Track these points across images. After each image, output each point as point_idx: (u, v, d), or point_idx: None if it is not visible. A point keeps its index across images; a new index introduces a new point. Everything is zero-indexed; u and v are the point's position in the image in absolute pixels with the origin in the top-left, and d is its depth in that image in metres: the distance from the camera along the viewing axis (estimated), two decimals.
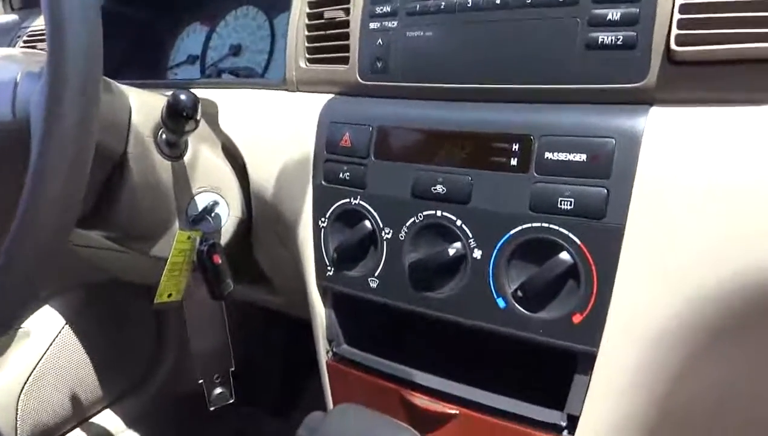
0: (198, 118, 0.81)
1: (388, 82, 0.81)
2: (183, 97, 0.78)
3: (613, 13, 0.63)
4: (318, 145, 0.85)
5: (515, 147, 0.68)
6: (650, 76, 0.62)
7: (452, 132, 0.73)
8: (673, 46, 0.59)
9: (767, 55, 0.57)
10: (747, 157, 0.58)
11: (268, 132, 0.93)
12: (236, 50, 1.23)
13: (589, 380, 0.66)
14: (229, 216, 0.97)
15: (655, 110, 0.63)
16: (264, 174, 0.93)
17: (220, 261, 0.93)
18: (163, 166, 0.93)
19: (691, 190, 0.59)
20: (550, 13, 0.67)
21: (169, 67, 1.35)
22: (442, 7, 0.75)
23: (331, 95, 0.89)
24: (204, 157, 0.98)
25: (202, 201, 0.96)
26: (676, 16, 0.60)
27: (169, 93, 0.80)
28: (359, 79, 0.84)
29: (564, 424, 0.68)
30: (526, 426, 0.70)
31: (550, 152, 0.66)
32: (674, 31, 0.59)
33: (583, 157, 0.64)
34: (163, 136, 0.92)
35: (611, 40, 0.64)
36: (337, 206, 0.82)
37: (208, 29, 1.30)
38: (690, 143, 0.60)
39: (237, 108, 0.99)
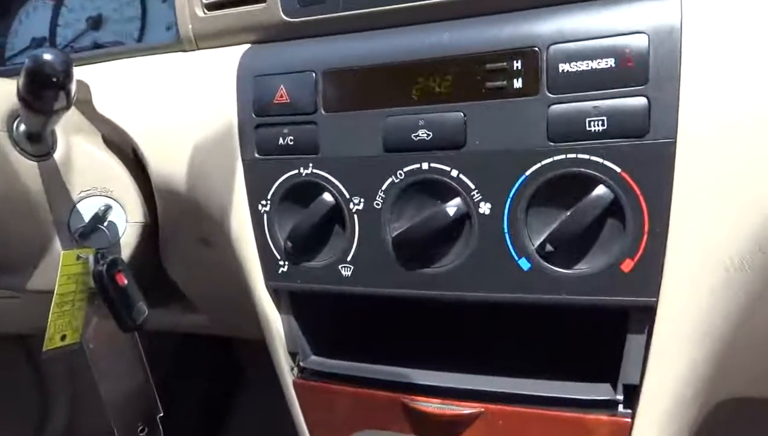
0: (71, 89, 0.58)
1: (325, 15, 0.63)
2: (48, 56, 0.55)
3: None
4: (242, 109, 0.66)
5: (517, 64, 0.53)
6: None
7: (428, 60, 0.57)
8: None
9: None
10: None
11: (166, 108, 0.72)
12: (96, 23, 0.98)
13: (649, 340, 0.53)
14: (128, 223, 0.75)
15: None
16: (168, 162, 0.72)
17: (126, 282, 0.71)
18: (26, 169, 0.70)
19: (755, 88, 0.48)
20: None
21: (8, 58, 1.07)
22: None
23: (246, 46, 0.69)
24: (81, 151, 0.75)
25: (88, 208, 0.74)
26: None
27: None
28: (284, 16, 0.65)
29: (620, 398, 0.55)
30: (573, 410, 0.56)
31: (565, 63, 0.52)
32: None
33: (610, 62, 0.50)
34: (21, 127, 0.69)
35: None
36: (283, 182, 0.64)
37: (54, 3, 1.03)
38: (746, 24, 0.48)
39: (118, 86, 0.76)
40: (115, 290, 0.70)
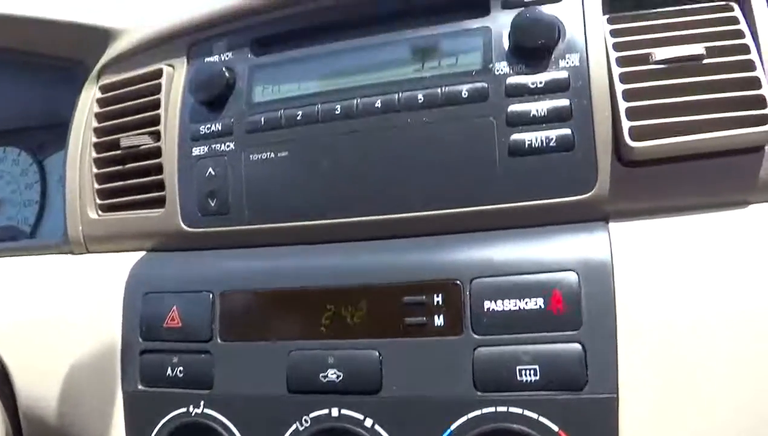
0: None
1: (228, 227, 0.57)
2: None
3: (537, 108, 0.48)
4: (127, 330, 0.57)
5: (437, 299, 0.47)
6: (601, 183, 0.47)
7: (340, 288, 0.50)
8: (628, 140, 0.44)
9: (745, 143, 0.44)
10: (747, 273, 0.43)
11: (43, 318, 0.62)
12: None
13: None
14: None
15: (616, 227, 0.47)
16: (39, 384, 0.61)
17: None
18: None
19: (703, 325, 0.43)
20: (454, 113, 0.50)
21: None
22: (299, 117, 0.54)
23: (141, 253, 0.61)
24: None
25: None
26: (622, 103, 0.45)
27: None
28: (183, 225, 0.59)
29: None
30: None
31: (490, 301, 0.46)
32: (624, 121, 0.45)
33: (539, 302, 0.45)
34: None
35: (540, 141, 0.47)
36: (168, 421, 0.53)
37: None
38: (679, 265, 0.44)
39: None
40: None
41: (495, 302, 0.45)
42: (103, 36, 0.68)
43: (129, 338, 0.56)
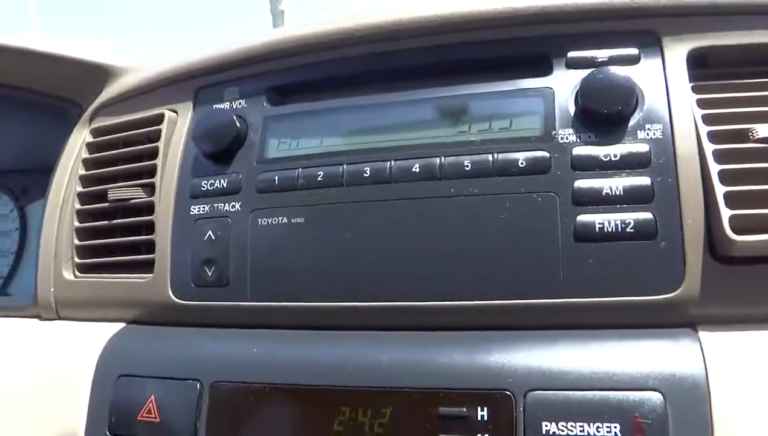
0: None
1: (225, 302, 0.48)
2: None
3: (611, 185, 0.40)
4: (92, 420, 0.47)
5: (481, 413, 0.38)
6: (689, 281, 0.38)
7: (358, 389, 0.41)
8: (728, 232, 0.36)
9: None
10: None
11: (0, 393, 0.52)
12: None
13: None
14: None
15: (709, 336, 0.38)
16: None
17: None
18: None
19: None
20: (508, 185, 0.42)
21: None
22: (320, 178, 0.46)
23: (121, 325, 0.52)
24: None
25: None
26: (719, 186, 0.37)
27: None
28: (172, 296, 0.49)
29: None
30: None
31: (550, 422, 0.36)
32: (722, 209, 0.37)
33: (615, 429, 0.35)
34: None
35: (614, 225, 0.39)
36: None
37: None
38: None
39: None
40: None
41: (557, 423, 0.36)
42: (100, 74, 0.61)
43: (94, 429, 0.46)
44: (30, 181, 0.82)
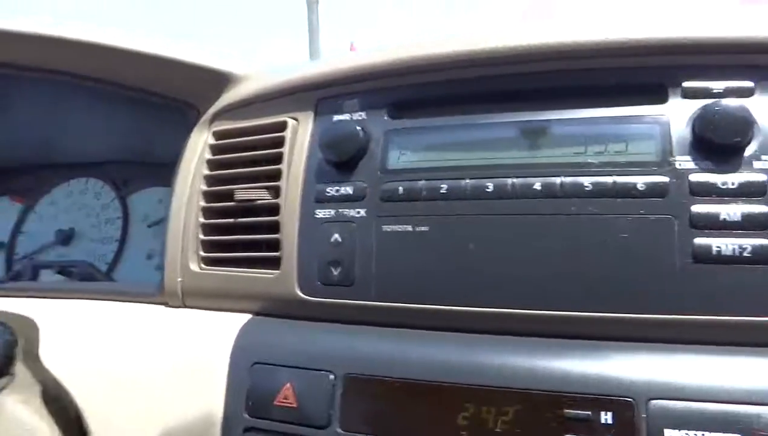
0: (12, 372, 0.44)
1: (350, 301, 0.52)
2: None
3: (728, 212, 0.43)
4: (230, 402, 0.52)
5: (605, 417, 0.42)
6: None
7: (484, 387, 0.45)
8: None
9: None
10: None
11: (131, 377, 0.57)
12: (66, 238, 0.86)
13: None
14: None
15: None
16: None
17: None
18: None
19: None
20: (627, 206, 0.45)
21: None
22: (443, 191, 0.50)
23: (247, 316, 0.57)
24: (7, 419, 0.58)
25: None
26: None
27: None
28: (299, 293, 0.54)
29: None
30: None
31: (671, 429, 0.40)
32: None
33: None
34: None
35: (732, 249, 0.43)
36: None
37: (23, 206, 0.92)
38: None
39: (74, 334, 0.62)
40: None
41: (678, 431, 0.40)
42: (220, 80, 0.65)
43: (232, 410, 0.51)
44: (130, 173, 0.87)
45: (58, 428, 0.60)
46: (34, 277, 0.83)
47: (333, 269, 0.53)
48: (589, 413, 0.42)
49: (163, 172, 0.84)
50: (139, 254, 0.82)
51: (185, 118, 0.71)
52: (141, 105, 0.79)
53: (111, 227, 0.85)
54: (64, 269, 0.78)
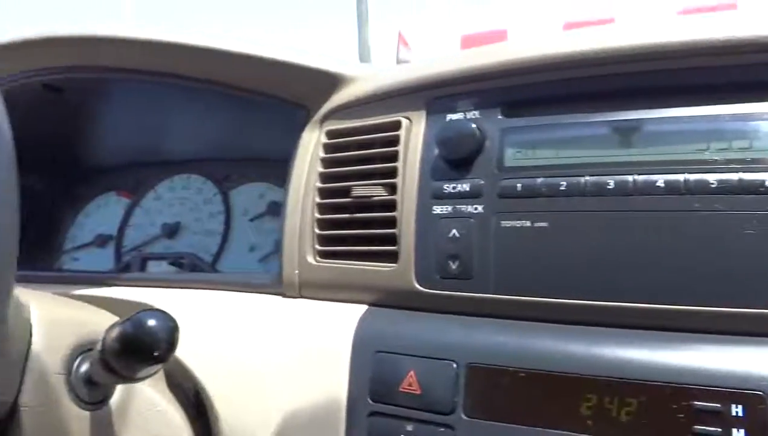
0: (169, 359, 0.48)
1: (469, 293, 0.54)
2: (152, 323, 0.45)
3: None
4: (353, 387, 0.54)
5: (736, 410, 0.42)
6: None
7: (607, 380, 0.46)
8: None
9: None
10: None
11: (254, 362, 0.61)
12: (172, 231, 0.91)
13: None
14: None
15: None
16: (247, 432, 0.59)
17: None
18: (77, 419, 0.57)
19: None
20: (752, 204, 0.46)
21: (65, 251, 0.99)
22: (563, 188, 0.52)
23: (363, 307, 0.60)
24: (141, 399, 0.62)
25: None
26: None
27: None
28: (417, 285, 0.56)
29: None
30: None
31: None
32: None
33: None
34: (82, 368, 0.57)
35: None
36: None
37: (130, 201, 0.98)
38: None
39: (194, 320, 0.66)
40: None
41: None
42: (332, 81, 0.68)
43: (356, 396, 0.54)
44: (230, 169, 0.91)
45: (182, 409, 0.64)
46: (143, 268, 0.89)
47: (451, 263, 0.55)
48: (719, 405, 0.43)
49: (263, 168, 0.89)
50: (241, 246, 0.86)
51: (288, 117, 0.75)
52: (241, 105, 0.82)
53: (214, 220, 0.90)
54: (175, 261, 0.83)
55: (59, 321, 0.55)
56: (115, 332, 0.46)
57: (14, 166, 0.36)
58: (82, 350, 0.58)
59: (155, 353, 0.45)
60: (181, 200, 0.93)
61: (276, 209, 0.85)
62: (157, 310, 0.46)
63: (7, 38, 0.74)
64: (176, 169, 0.95)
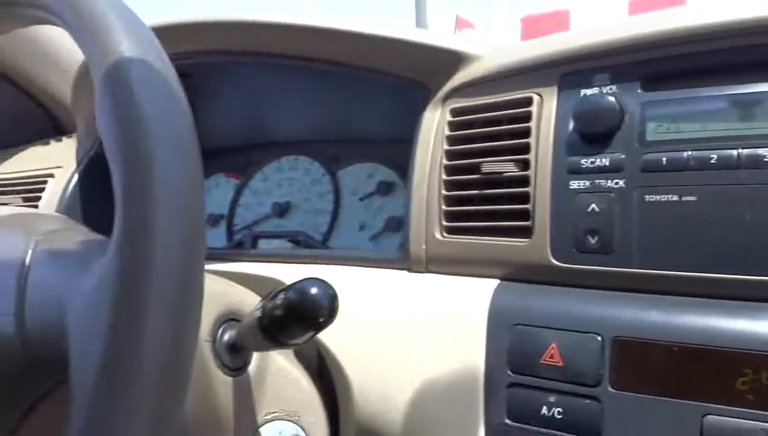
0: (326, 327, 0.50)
1: (610, 268, 0.54)
2: (315, 290, 0.47)
3: None
4: (491, 358, 0.55)
5: None
6: None
7: (763, 354, 0.45)
8: None
9: None
10: None
11: (387, 334, 0.63)
12: (282, 210, 0.94)
13: None
14: None
15: None
16: (380, 400, 0.61)
17: None
18: (220, 384, 0.60)
19: None
20: None
21: None
22: (713, 161, 0.51)
23: (494, 281, 0.60)
24: (275, 367, 0.65)
25: (271, 433, 0.63)
26: None
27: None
28: (552, 259, 0.57)
29: None
30: None
31: None
32: None
33: None
34: (226, 336, 0.61)
35: None
36: None
37: (238, 182, 1.01)
38: None
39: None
40: None
41: None
42: (454, 60, 0.69)
43: (493, 368, 0.55)
44: (338, 150, 0.93)
45: (310, 378, 0.67)
46: (254, 245, 0.92)
47: (590, 238, 0.55)
48: None
49: (371, 149, 0.90)
50: (351, 225, 0.88)
51: (399, 98, 0.76)
52: (349, 86, 0.84)
53: (323, 200, 0.92)
54: (292, 238, 0.85)
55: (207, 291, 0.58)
56: (279, 300, 0.49)
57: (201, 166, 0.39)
58: (225, 318, 0.62)
59: (319, 320, 0.47)
60: (289, 181, 0.96)
61: (385, 189, 0.87)
62: (318, 279, 0.48)
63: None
64: (283, 150, 0.98)
